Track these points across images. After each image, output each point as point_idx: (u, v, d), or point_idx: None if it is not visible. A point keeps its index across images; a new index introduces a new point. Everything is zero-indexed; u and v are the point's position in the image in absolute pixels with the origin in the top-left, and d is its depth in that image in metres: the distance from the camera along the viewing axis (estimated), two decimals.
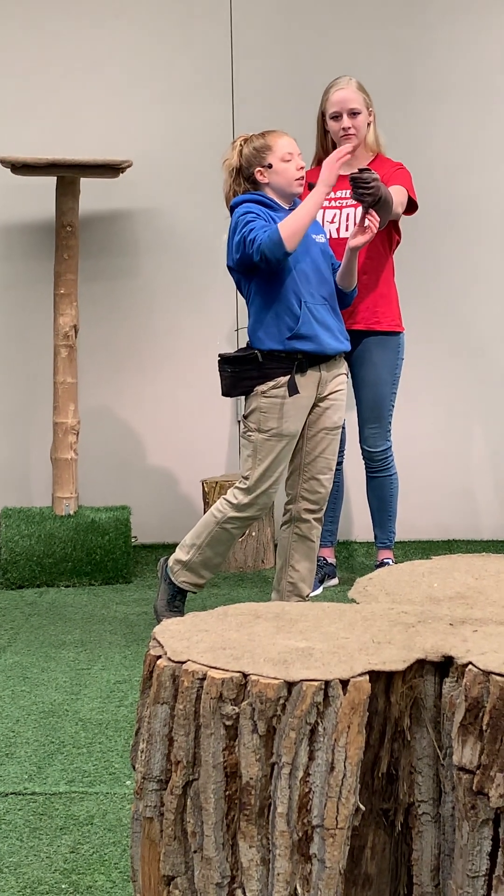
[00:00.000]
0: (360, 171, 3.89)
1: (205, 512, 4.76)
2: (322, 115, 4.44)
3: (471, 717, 1.81)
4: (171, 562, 4.06)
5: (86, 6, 5.19)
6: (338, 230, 4.41)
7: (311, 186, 4.00)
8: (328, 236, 4.39)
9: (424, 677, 1.92)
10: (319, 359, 3.92)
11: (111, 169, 4.79)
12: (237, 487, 3.97)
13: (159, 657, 1.95)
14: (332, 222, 4.42)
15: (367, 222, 3.96)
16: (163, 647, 1.98)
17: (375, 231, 3.96)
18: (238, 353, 3.95)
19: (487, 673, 1.81)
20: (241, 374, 3.92)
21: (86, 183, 4.99)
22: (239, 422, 4.02)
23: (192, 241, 5.26)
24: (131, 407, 5.37)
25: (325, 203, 4.41)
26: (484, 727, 1.79)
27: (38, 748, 3.12)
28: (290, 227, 3.70)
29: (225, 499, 3.99)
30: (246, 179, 3.95)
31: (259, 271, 3.82)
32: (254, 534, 4.99)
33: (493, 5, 5.21)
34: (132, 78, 5.23)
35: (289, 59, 5.23)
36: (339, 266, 4.05)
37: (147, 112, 5.22)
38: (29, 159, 4.68)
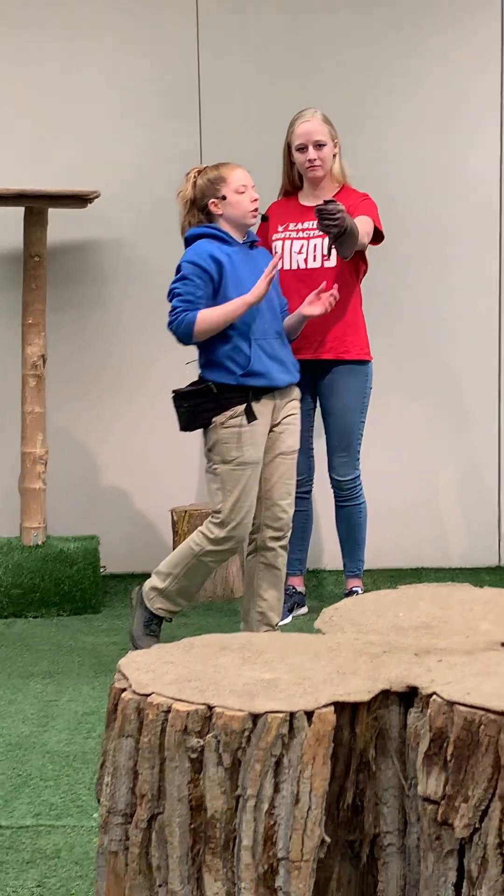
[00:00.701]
0: (326, 202, 3.92)
1: (174, 541, 4.77)
2: (288, 146, 4.47)
3: (435, 747, 1.82)
4: (146, 588, 4.06)
5: (54, 37, 5.21)
6: (305, 260, 4.43)
7: (264, 218, 4.04)
8: (297, 266, 4.42)
9: (389, 708, 1.92)
10: (272, 388, 3.98)
11: (79, 199, 4.80)
12: (211, 522, 3.97)
13: (124, 690, 1.95)
14: (299, 253, 4.44)
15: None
16: (128, 679, 1.98)
17: (331, 307, 4.09)
18: (192, 388, 3.98)
19: (451, 703, 1.81)
20: (197, 407, 3.95)
21: (54, 213, 5.00)
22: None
23: (160, 271, 5.25)
24: (100, 436, 5.37)
25: (293, 234, 4.45)
26: (448, 758, 1.80)
27: (4, 781, 3.10)
28: (206, 323, 3.85)
29: (202, 532, 3.99)
30: (200, 210, 4.02)
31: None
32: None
33: (458, 38, 5.26)
34: (100, 109, 5.25)
35: (256, 90, 5.26)
36: (285, 306, 4.15)
37: (115, 143, 5.24)
38: None
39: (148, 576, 4.25)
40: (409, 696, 1.92)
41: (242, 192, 3.95)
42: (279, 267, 3.92)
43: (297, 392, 4.12)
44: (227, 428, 3.91)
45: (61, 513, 5.27)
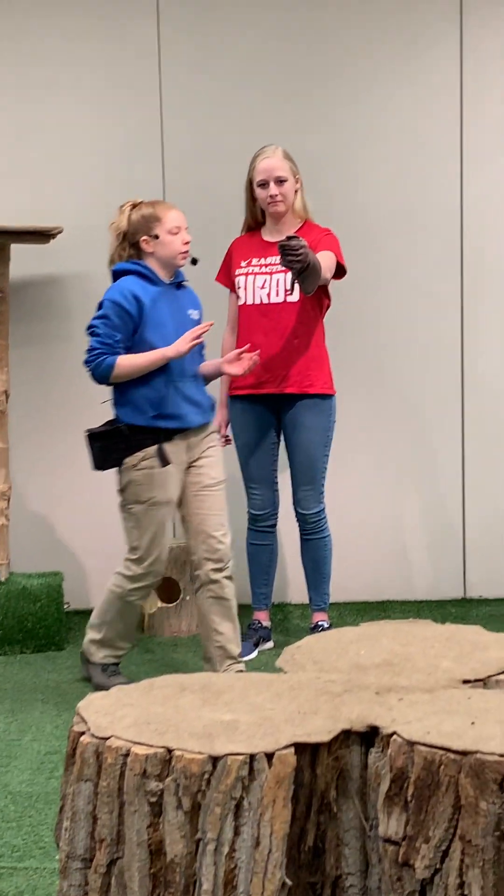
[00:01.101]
0: (289, 238, 3.94)
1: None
2: (250, 182, 4.49)
3: (396, 787, 1.81)
4: (86, 644, 4.18)
5: (16, 73, 5.22)
6: (268, 295, 4.45)
7: (194, 262, 4.10)
8: (259, 301, 4.44)
9: (350, 748, 1.91)
10: (185, 429, 4.03)
11: (42, 235, 4.79)
12: (129, 559, 4.06)
13: (83, 733, 1.93)
14: (262, 288, 4.46)
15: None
16: (86, 722, 1.96)
17: (249, 371, 4.19)
18: (104, 428, 4.02)
19: (412, 743, 1.80)
20: (109, 447, 4.00)
21: (17, 249, 4.99)
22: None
23: None
24: (63, 472, 5.34)
25: (256, 269, 4.47)
26: (409, 798, 1.79)
27: None
28: (124, 370, 3.91)
29: (119, 573, 4.08)
30: (131, 245, 4.06)
31: (130, 345, 3.95)
32: (188, 598, 4.97)
33: (418, 72, 5.30)
34: (63, 144, 5.26)
35: (219, 126, 5.28)
36: (204, 345, 4.17)
37: (77, 178, 5.24)
38: None
39: None
40: (370, 736, 1.91)
41: (175, 234, 4.01)
42: (206, 331, 3.97)
43: (212, 427, 4.19)
44: (140, 470, 3.96)
45: (24, 549, 5.24)
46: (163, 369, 3.95)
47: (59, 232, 4.82)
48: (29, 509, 5.29)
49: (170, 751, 1.83)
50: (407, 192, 5.34)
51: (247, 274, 4.49)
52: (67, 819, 1.92)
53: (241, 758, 1.79)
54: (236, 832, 1.80)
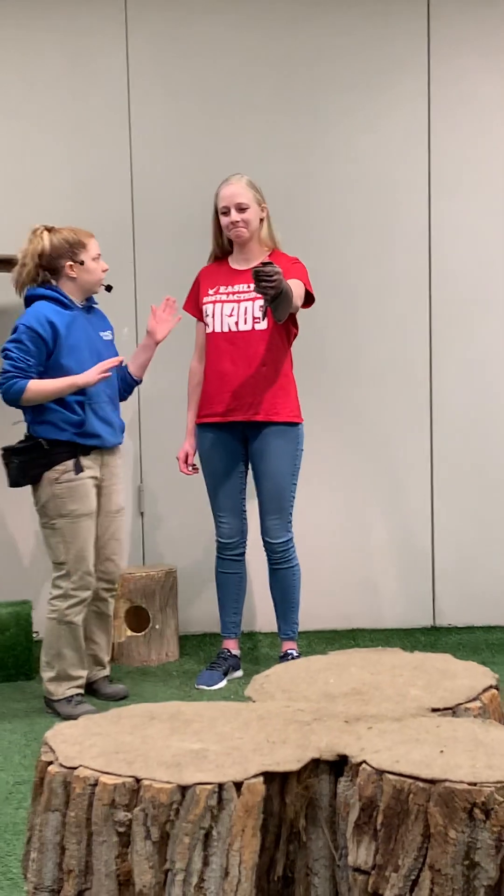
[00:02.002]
0: (264, 264, 3.96)
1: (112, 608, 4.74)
2: (216, 210, 4.51)
3: (365, 816, 1.81)
4: (46, 689, 4.25)
5: None
6: (236, 323, 4.45)
7: (108, 289, 4.31)
8: (227, 329, 4.45)
9: (319, 776, 1.91)
10: (101, 448, 4.23)
11: (8, 263, 4.78)
12: (57, 577, 4.19)
13: (51, 763, 1.92)
14: (230, 315, 4.47)
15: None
16: (54, 752, 1.95)
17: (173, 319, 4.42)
18: (23, 444, 4.16)
19: (381, 772, 1.80)
20: (28, 462, 4.14)
21: None
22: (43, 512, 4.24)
23: None
24: (31, 502, 5.31)
25: (224, 297, 4.48)
26: (378, 827, 1.79)
27: None
28: (35, 394, 4.05)
29: (50, 601, 4.22)
30: (46, 268, 4.15)
31: (43, 370, 4.08)
32: (157, 626, 4.95)
33: (387, 102, 5.34)
34: (31, 173, 5.26)
35: (187, 156, 5.31)
36: (125, 367, 4.44)
37: (46, 206, 5.24)
38: None
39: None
40: (339, 765, 1.91)
41: (96, 261, 4.18)
42: (115, 365, 4.17)
43: (121, 451, 4.39)
44: (61, 483, 4.12)
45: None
46: (80, 392, 4.11)
47: None
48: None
49: (138, 780, 1.82)
50: (376, 221, 5.37)
51: (214, 302, 4.51)
52: (35, 850, 1.91)
53: (209, 787, 1.79)
54: (205, 862, 1.79)
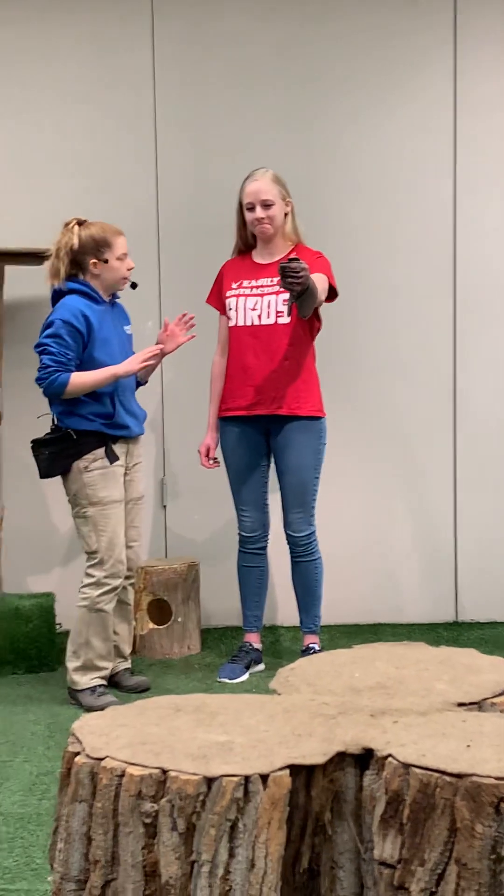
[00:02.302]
0: (290, 260, 3.95)
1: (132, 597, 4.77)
2: (240, 205, 4.51)
3: (391, 810, 1.81)
4: (69, 678, 4.28)
5: (10, 97, 5.24)
6: (259, 317, 4.46)
7: (133, 286, 4.32)
8: (251, 323, 4.44)
9: (345, 770, 1.91)
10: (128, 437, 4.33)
11: (35, 256, 4.79)
12: (90, 566, 4.24)
13: (77, 754, 1.93)
14: (253, 309, 4.47)
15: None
16: (81, 743, 1.96)
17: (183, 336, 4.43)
18: (52, 435, 4.23)
19: (407, 766, 1.80)
20: (58, 453, 4.21)
21: (11, 270, 5.00)
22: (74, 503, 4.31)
23: None
24: (55, 494, 5.33)
25: (247, 291, 4.48)
26: (404, 821, 1.79)
27: None
28: (77, 387, 4.11)
29: (83, 586, 4.25)
30: (74, 263, 4.21)
31: (79, 363, 4.15)
32: (180, 619, 4.96)
33: (412, 98, 5.33)
34: (57, 168, 5.28)
35: (212, 150, 5.31)
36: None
37: (72, 200, 5.25)
38: None
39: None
40: (364, 758, 1.91)
41: (122, 260, 4.22)
42: (155, 353, 4.26)
43: (142, 440, 4.48)
44: (91, 471, 4.18)
45: (17, 570, 5.24)
46: (111, 387, 4.18)
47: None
48: (21, 531, 5.28)
49: (165, 772, 1.82)
50: (400, 215, 5.37)
51: (238, 295, 4.51)
52: (62, 840, 1.92)
53: (236, 779, 1.79)
54: (231, 854, 1.79)
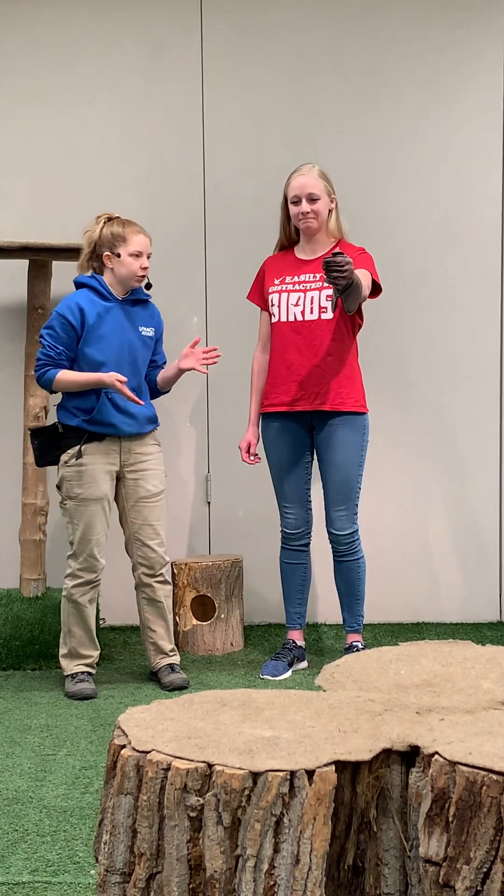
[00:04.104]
0: (335, 255, 3.93)
1: (173, 594, 4.79)
2: (285, 199, 4.51)
3: (437, 808, 1.80)
4: (62, 664, 4.44)
5: (59, 92, 5.27)
6: (302, 313, 4.45)
7: (148, 286, 4.41)
8: (293, 319, 4.44)
9: (391, 767, 1.91)
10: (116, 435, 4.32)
11: (80, 252, 4.81)
12: (68, 556, 4.37)
13: (123, 747, 1.93)
14: (296, 305, 4.46)
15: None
16: (127, 736, 1.96)
17: (203, 367, 4.39)
18: (44, 427, 4.35)
19: (454, 763, 1.80)
20: (46, 444, 4.33)
21: (58, 266, 5.03)
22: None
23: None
24: None
25: (290, 287, 4.47)
26: (450, 818, 1.78)
27: (1, 836, 3.07)
28: (62, 384, 4.22)
29: (64, 578, 4.41)
30: (96, 256, 4.32)
31: (73, 356, 4.24)
32: (223, 616, 4.97)
33: (460, 90, 5.31)
34: (105, 163, 5.30)
35: (259, 148, 5.31)
36: (162, 362, 4.52)
37: (119, 196, 5.27)
38: (2, 243, 4.71)
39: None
40: (410, 756, 1.91)
41: (135, 257, 4.26)
42: (130, 397, 4.18)
43: (152, 438, 4.44)
44: (70, 467, 4.28)
45: (61, 564, 5.25)
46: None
47: None
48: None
49: (210, 766, 1.83)
50: (446, 210, 5.35)
51: (280, 291, 4.50)
52: (107, 833, 1.92)
53: (281, 774, 1.79)
54: (276, 849, 1.79)
